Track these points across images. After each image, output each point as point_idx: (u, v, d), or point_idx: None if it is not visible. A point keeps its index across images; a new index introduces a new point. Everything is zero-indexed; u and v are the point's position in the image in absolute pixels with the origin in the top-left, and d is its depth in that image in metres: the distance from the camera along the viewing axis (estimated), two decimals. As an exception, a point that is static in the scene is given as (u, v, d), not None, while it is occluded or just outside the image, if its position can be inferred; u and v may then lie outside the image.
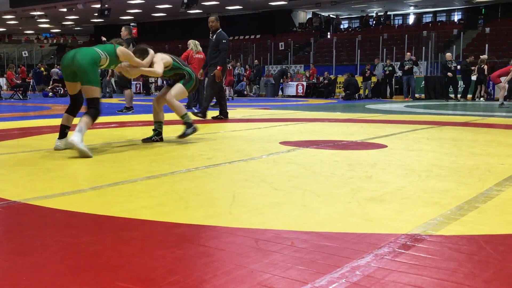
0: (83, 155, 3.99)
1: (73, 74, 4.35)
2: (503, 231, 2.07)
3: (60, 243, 1.91)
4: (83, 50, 4.37)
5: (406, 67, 18.18)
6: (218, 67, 8.03)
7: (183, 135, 5.10)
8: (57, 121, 6.99)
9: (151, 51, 4.92)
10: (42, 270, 1.63)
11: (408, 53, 19.04)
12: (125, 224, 2.16)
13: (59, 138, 4.47)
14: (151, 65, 4.90)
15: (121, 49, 4.55)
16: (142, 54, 4.85)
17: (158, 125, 5.14)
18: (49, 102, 15.64)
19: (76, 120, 4.44)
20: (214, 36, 8.13)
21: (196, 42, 11.10)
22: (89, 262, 1.70)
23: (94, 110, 4.27)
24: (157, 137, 5.10)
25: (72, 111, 4.59)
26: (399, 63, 19.47)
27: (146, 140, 5.07)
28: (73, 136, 3.99)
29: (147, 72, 4.94)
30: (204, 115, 8.21)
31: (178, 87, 5.13)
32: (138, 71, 4.87)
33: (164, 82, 20.90)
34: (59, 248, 1.86)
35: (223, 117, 8.45)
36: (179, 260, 1.72)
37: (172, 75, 5.19)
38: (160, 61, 4.93)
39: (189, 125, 5.12)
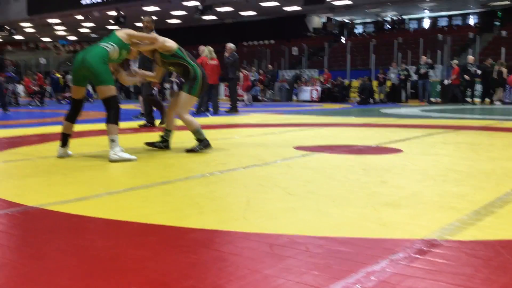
0: (129, 161, 4.12)
1: (83, 77, 4.33)
2: (521, 236, 2.04)
3: (76, 248, 1.92)
4: (91, 51, 4.30)
5: (422, 71, 18.05)
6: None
7: (192, 150, 4.72)
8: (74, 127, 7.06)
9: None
10: (58, 274, 1.64)
11: (424, 57, 18.89)
12: (140, 229, 2.17)
13: (61, 146, 4.41)
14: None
15: (122, 31, 4.47)
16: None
17: (166, 133, 4.96)
18: (66, 108, 15.81)
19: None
20: None
21: (210, 48, 11.12)
22: (104, 266, 1.71)
23: (113, 112, 4.23)
24: (162, 143, 4.92)
25: (72, 118, 4.50)
26: (414, 67, 19.34)
27: (149, 144, 4.94)
28: (110, 153, 4.12)
29: (148, 39, 4.63)
30: (152, 123, 8.05)
31: (183, 97, 4.78)
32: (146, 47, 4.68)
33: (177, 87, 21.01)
34: (74, 252, 1.88)
35: (150, 124, 8.08)
36: (193, 264, 1.72)
37: (174, 64, 4.80)
38: (161, 39, 4.69)
39: (200, 141, 4.74)
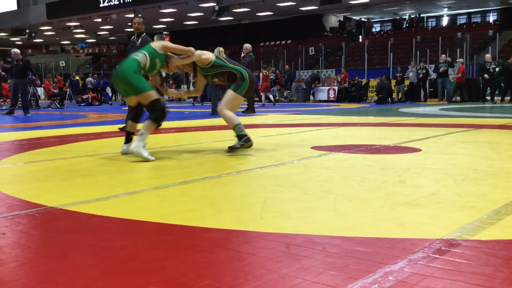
0: (145, 160, 4.15)
1: (124, 90, 4.45)
2: (543, 236, 2.00)
3: (95, 248, 1.95)
4: (122, 64, 4.39)
5: (441, 70, 17.86)
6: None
7: (233, 148, 4.59)
8: (93, 129, 7.16)
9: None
10: (77, 274, 1.66)
11: (443, 55, 18.69)
12: (158, 229, 2.18)
13: (125, 143, 4.65)
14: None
15: (158, 41, 4.51)
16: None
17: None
18: (85, 110, 15.99)
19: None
20: (140, 40, 7.48)
21: (221, 49, 11.04)
22: (122, 266, 1.73)
23: (157, 112, 4.29)
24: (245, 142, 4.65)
25: (135, 118, 4.69)
26: (433, 65, 19.14)
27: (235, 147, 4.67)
28: (134, 144, 4.21)
29: (183, 51, 4.57)
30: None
31: (229, 94, 4.69)
32: (181, 60, 4.60)
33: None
34: (93, 252, 1.90)
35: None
36: (210, 264, 1.73)
37: (217, 75, 4.72)
38: (198, 54, 4.63)
39: (240, 137, 4.59)
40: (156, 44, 4.49)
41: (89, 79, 25.28)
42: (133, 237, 2.08)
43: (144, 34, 7.71)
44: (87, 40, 44.61)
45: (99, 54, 43.80)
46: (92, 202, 2.71)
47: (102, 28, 35.92)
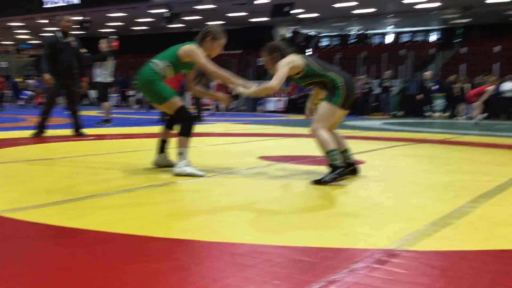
0: (194, 176, 3.73)
1: (149, 98, 4.05)
2: (476, 247, 2.10)
3: (32, 256, 1.87)
4: (140, 72, 3.92)
5: (385, 85, 18.47)
6: (85, 79, 7.31)
7: (320, 181, 3.52)
8: (32, 133, 6.86)
9: (284, 61, 3.68)
10: (13, 283, 1.59)
11: (389, 71, 19.37)
12: (99, 238, 2.12)
13: (157, 153, 4.17)
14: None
15: (184, 49, 3.85)
16: (272, 53, 3.87)
17: (343, 156, 3.87)
18: (25, 113, 15.40)
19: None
20: (74, 40, 7.14)
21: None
22: (61, 275, 1.67)
23: (185, 124, 3.89)
24: (348, 169, 3.76)
25: (169, 124, 4.22)
26: (375, 81, 19.78)
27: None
28: (176, 165, 3.80)
29: (219, 77, 3.89)
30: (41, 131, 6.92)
31: (322, 107, 3.79)
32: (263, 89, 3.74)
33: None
34: (31, 261, 1.82)
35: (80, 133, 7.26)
36: (153, 274, 1.69)
37: (310, 84, 3.89)
38: (285, 66, 3.65)
39: (334, 168, 3.55)
40: (182, 54, 3.85)
41: (31, 81, 24.43)
42: (72, 246, 2.01)
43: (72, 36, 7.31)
44: (31, 42, 43.09)
45: (43, 56, 42.34)
46: (30, 208, 2.60)
47: (47, 30, 34.83)
